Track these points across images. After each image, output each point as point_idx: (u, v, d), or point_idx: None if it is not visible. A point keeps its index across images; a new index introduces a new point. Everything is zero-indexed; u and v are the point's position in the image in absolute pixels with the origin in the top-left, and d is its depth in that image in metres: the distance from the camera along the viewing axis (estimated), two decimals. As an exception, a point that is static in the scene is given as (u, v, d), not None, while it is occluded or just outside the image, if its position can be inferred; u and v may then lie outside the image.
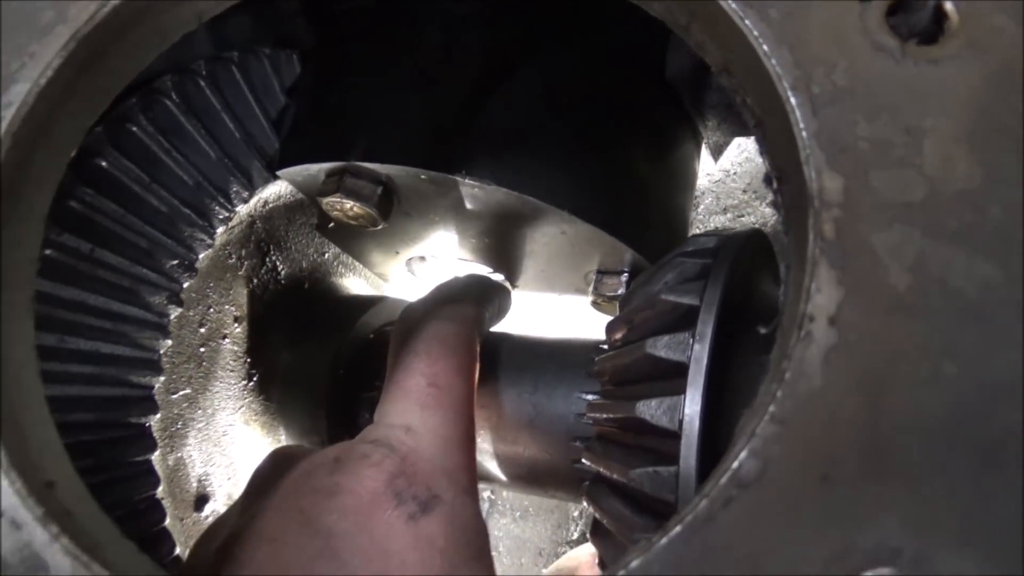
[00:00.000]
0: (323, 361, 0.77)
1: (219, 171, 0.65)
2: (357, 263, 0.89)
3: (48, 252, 0.55)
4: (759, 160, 1.06)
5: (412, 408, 0.51)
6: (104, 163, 0.58)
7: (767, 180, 0.37)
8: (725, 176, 1.09)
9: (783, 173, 0.35)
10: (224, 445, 0.74)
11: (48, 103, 0.38)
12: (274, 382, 0.77)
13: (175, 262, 0.62)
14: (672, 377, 0.50)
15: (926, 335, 0.29)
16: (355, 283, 0.89)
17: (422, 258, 0.85)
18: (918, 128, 0.32)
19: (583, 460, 0.60)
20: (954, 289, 0.29)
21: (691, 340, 0.50)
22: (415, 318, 0.59)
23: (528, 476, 0.67)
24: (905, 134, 0.32)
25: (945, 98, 0.32)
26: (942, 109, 0.32)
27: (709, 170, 1.08)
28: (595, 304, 0.74)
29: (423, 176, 0.62)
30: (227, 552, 0.42)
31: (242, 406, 0.75)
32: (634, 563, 0.27)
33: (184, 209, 0.63)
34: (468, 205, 0.65)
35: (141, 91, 0.62)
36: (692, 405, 0.48)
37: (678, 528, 0.28)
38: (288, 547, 0.42)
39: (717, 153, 0.83)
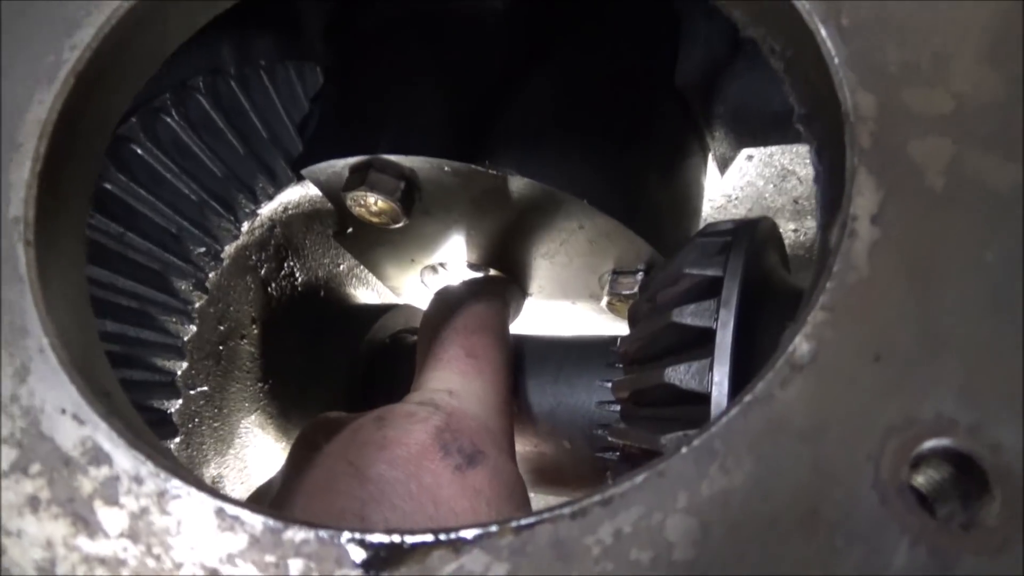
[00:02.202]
0: (340, 365, 0.77)
1: (246, 166, 0.67)
2: (370, 277, 0.90)
3: (81, 231, 0.56)
4: (760, 184, 1.10)
5: (453, 375, 0.53)
6: (138, 150, 0.60)
7: (799, 120, 0.39)
8: (727, 202, 1.12)
9: (815, 107, 0.37)
10: (238, 448, 0.73)
11: (108, 52, 0.40)
12: (290, 386, 0.77)
13: (202, 250, 0.63)
14: (699, 345, 0.51)
15: (965, 228, 0.30)
16: (368, 296, 0.90)
17: (435, 270, 0.86)
18: (943, 52, 0.34)
19: (607, 444, 0.60)
20: (988, 188, 0.31)
21: (716, 306, 0.51)
22: (449, 300, 0.61)
23: (550, 471, 0.67)
24: (932, 57, 0.34)
25: (968, 25, 0.34)
26: (964, 34, 0.34)
27: (711, 196, 1.10)
28: (610, 305, 0.75)
29: (447, 168, 0.64)
30: (279, 506, 0.42)
31: (257, 408, 0.75)
32: (696, 441, 0.28)
33: (211, 200, 0.64)
34: (489, 199, 0.67)
35: (175, 87, 0.65)
36: (721, 368, 0.49)
37: (737, 408, 0.28)
38: (340, 495, 0.42)
39: (723, 166, 0.86)
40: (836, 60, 0.35)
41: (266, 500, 0.51)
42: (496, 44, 0.69)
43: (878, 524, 0.26)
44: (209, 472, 0.70)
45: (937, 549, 0.25)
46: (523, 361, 0.68)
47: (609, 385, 0.63)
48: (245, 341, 0.73)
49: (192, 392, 0.66)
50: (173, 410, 0.62)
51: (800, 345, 0.29)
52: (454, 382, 0.55)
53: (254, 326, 0.74)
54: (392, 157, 0.65)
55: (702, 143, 0.80)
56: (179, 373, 0.62)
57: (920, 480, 0.28)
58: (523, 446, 0.67)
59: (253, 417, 0.74)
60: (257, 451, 0.74)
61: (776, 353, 0.29)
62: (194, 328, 0.63)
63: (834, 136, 0.35)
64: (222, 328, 0.69)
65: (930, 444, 0.27)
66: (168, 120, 0.62)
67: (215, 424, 0.70)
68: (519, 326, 0.79)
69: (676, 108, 0.75)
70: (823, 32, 0.35)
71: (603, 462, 0.62)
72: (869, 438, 0.27)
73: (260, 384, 0.75)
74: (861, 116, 0.33)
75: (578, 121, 0.68)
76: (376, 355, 0.78)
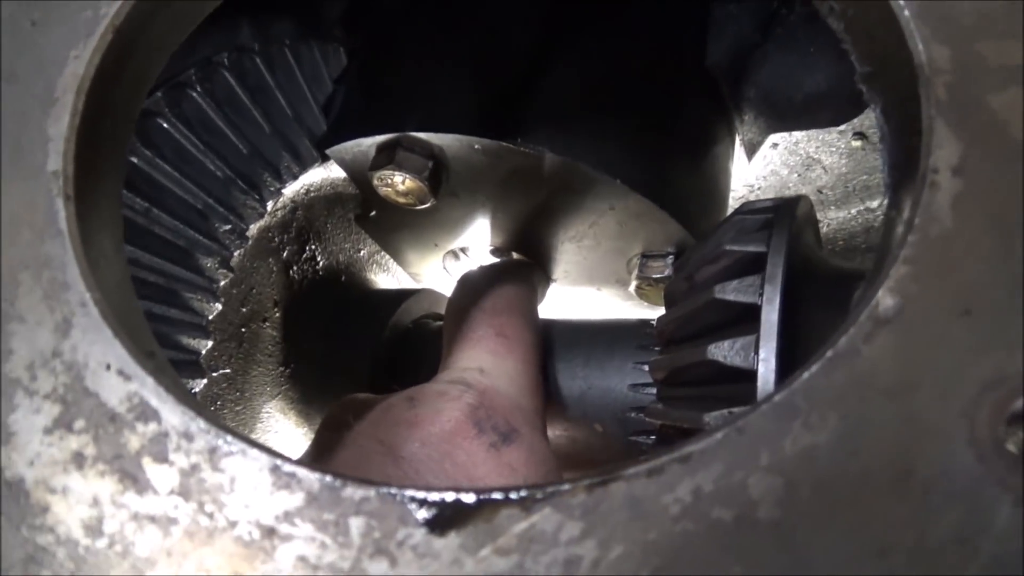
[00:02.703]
0: (362, 351, 0.76)
1: (271, 144, 0.66)
2: (391, 263, 0.88)
3: (107, 204, 0.55)
4: (784, 174, 1.08)
5: (483, 354, 0.51)
6: (164, 124, 0.59)
7: (861, 79, 0.37)
8: (749, 192, 1.10)
9: (881, 63, 0.36)
10: (259, 432, 0.72)
11: (147, 8, 0.39)
12: (312, 371, 0.76)
13: (227, 227, 0.62)
14: (742, 322, 0.50)
15: (1053, 180, 0.29)
16: (388, 282, 0.89)
17: (457, 255, 0.85)
18: (1017, 3, 0.33)
19: (640, 428, 0.58)
20: (1074, 139, 0.29)
21: (760, 282, 0.50)
22: (475, 282, 0.60)
23: (581, 456, 0.65)
24: (1006, 8, 0.33)
25: (1042, -23, 0.33)
26: (1040, -14, 0.33)
27: (733, 186, 1.09)
28: (639, 289, 0.74)
29: (477, 146, 0.63)
30: None
31: (279, 393, 0.73)
32: (777, 396, 0.26)
33: (236, 177, 0.63)
34: (518, 179, 0.65)
35: (199, 63, 0.63)
36: (767, 344, 0.47)
37: (819, 363, 0.27)
38: (372, 475, 0.41)
39: (751, 152, 0.84)
40: (906, 13, 0.33)
41: None
42: (524, 24, 0.68)
43: (977, 483, 0.24)
44: (230, 457, 0.68)
45: (1043, 507, 0.24)
46: (552, 345, 0.66)
47: (643, 368, 0.62)
48: (267, 324, 0.72)
49: (214, 374, 0.65)
50: (197, 390, 0.61)
51: (884, 299, 0.27)
52: (485, 361, 0.54)
53: (276, 309, 0.73)
54: (421, 135, 0.63)
55: (731, 128, 0.79)
56: (203, 352, 0.60)
57: (1010, 441, 0.26)
58: (553, 431, 0.65)
59: (275, 402, 0.73)
60: (278, 436, 0.73)
61: (857, 307, 0.28)
62: (219, 306, 0.61)
63: (904, 91, 0.34)
64: (244, 310, 0.68)
65: (1028, 400, 0.25)
66: (193, 95, 0.61)
67: (237, 408, 0.68)
68: (544, 312, 0.78)
69: (705, 91, 0.74)
70: (893, -16, 0.34)
71: (636, 446, 0.61)
72: (963, 394, 0.26)
73: (282, 368, 0.73)
74: (936, 69, 0.32)
75: (608, 102, 0.67)
76: (399, 340, 0.77)
